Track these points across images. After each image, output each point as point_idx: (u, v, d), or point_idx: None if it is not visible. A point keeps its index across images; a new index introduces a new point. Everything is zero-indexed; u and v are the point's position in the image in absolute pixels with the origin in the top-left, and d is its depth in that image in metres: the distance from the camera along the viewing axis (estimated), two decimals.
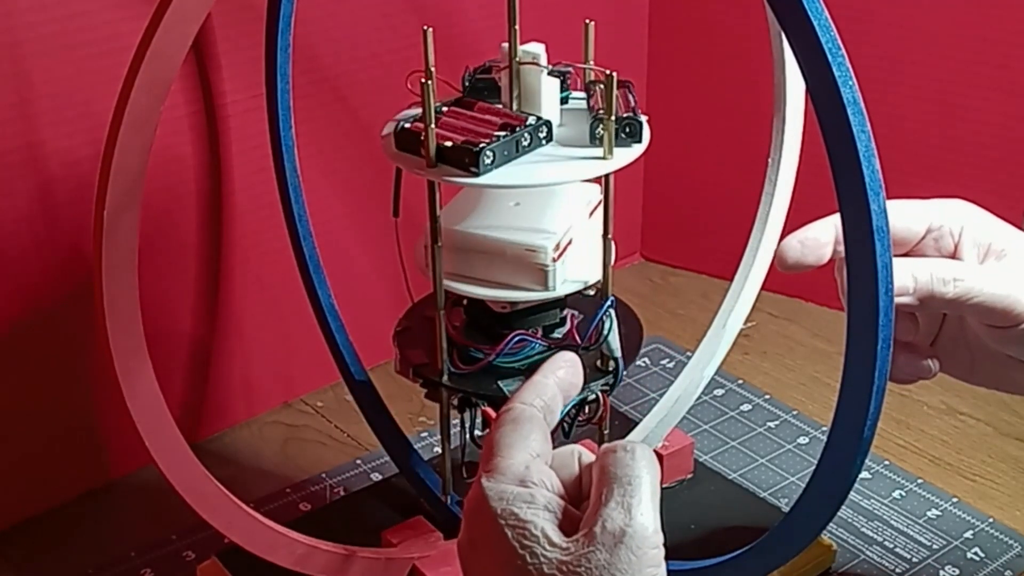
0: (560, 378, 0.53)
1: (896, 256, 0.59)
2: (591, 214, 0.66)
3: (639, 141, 0.60)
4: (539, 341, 0.65)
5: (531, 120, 0.61)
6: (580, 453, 0.50)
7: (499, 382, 0.64)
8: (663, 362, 1.01)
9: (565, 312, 0.68)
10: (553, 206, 0.65)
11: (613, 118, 0.58)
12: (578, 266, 0.64)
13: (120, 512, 0.84)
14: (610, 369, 0.65)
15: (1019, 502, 0.83)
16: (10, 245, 0.76)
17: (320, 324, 0.77)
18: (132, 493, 0.85)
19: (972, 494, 0.84)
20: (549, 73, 0.63)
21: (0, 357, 0.78)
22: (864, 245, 0.47)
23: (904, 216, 0.61)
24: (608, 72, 0.57)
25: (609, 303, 0.64)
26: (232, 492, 0.63)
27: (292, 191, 0.74)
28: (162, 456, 0.59)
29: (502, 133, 0.59)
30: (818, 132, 0.46)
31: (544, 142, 0.61)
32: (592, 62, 0.63)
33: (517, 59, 0.63)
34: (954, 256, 0.60)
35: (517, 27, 0.64)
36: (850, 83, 0.45)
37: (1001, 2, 0.91)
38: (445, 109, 0.63)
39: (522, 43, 0.64)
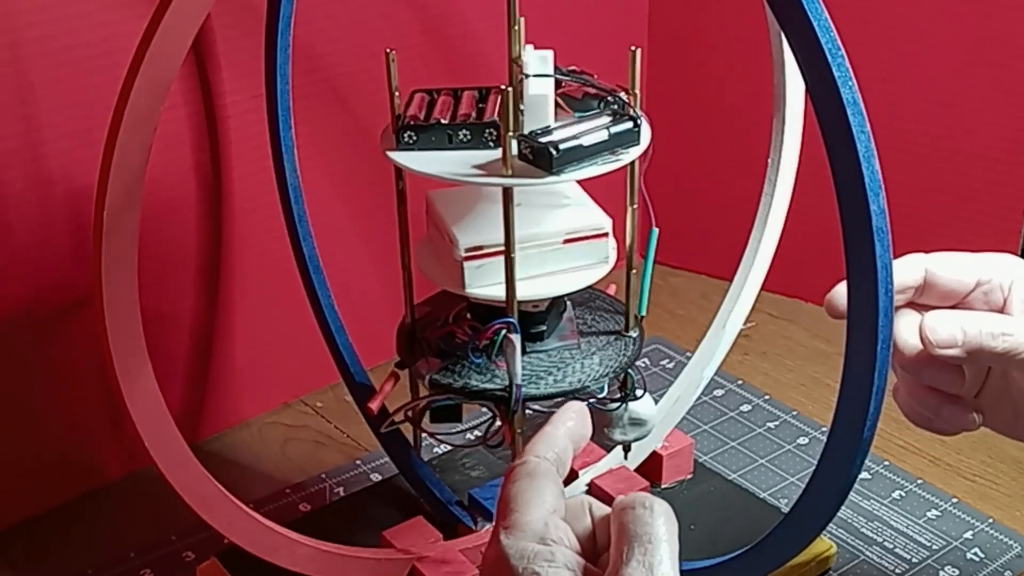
0: (570, 428, 0.53)
1: (945, 308, 0.59)
2: (566, 241, 0.65)
3: (548, 170, 0.58)
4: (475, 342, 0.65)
5: (490, 120, 0.62)
6: (591, 504, 0.50)
7: (425, 359, 0.67)
8: (663, 362, 1.01)
9: (564, 316, 0.69)
10: (534, 220, 0.65)
11: (510, 134, 0.58)
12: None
13: (120, 512, 0.84)
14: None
15: (1019, 502, 0.83)
16: (10, 245, 0.76)
17: (320, 324, 0.77)
18: (132, 493, 0.85)
19: (972, 494, 0.84)
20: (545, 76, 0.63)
21: (0, 357, 0.78)
22: (864, 245, 0.47)
23: (954, 269, 0.60)
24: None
25: (502, 321, 0.63)
26: (232, 493, 0.63)
27: (292, 191, 0.74)
28: (162, 456, 0.59)
29: (445, 122, 0.61)
30: (818, 132, 0.46)
31: (494, 145, 0.61)
32: (639, 89, 0.62)
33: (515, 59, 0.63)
34: (1003, 310, 0.60)
35: (516, 28, 0.64)
36: (850, 83, 0.45)
37: (1001, 2, 0.91)
38: (464, 92, 0.65)
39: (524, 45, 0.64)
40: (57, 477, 0.84)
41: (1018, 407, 0.62)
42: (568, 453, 0.52)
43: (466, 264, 0.64)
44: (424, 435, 0.71)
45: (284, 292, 0.87)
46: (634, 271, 0.68)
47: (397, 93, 0.64)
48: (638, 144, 0.61)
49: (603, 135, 0.59)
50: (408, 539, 0.72)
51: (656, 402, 0.72)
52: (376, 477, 0.87)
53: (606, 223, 0.66)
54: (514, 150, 0.59)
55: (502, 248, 0.62)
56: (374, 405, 0.69)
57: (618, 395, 0.69)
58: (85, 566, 0.78)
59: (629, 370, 0.68)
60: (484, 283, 0.64)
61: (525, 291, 0.64)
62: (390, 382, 0.69)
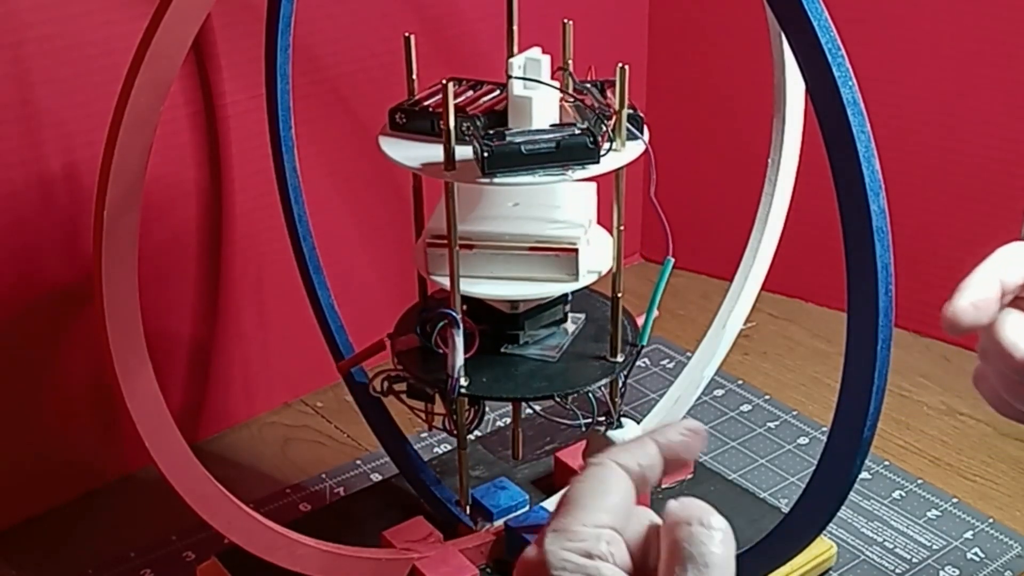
0: (670, 444, 0.47)
1: None
2: (532, 249, 0.65)
3: (482, 172, 0.58)
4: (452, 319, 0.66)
5: (478, 118, 0.62)
6: (650, 517, 0.46)
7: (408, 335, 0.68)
8: (663, 362, 1.01)
9: (561, 327, 0.69)
10: (512, 222, 0.66)
11: (451, 126, 0.58)
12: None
13: (120, 512, 0.84)
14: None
15: (1019, 502, 0.83)
16: (10, 245, 0.76)
17: (320, 324, 0.77)
18: (132, 493, 0.85)
19: (972, 494, 0.84)
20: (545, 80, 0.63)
21: (1, 357, 0.78)
22: (864, 245, 0.47)
23: None
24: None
25: (443, 312, 0.63)
26: (232, 492, 0.63)
27: (292, 191, 0.74)
28: (162, 456, 0.59)
29: (431, 110, 0.63)
30: (818, 132, 0.46)
31: (468, 140, 0.61)
32: (627, 100, 0.61)
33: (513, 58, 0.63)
34: None
35: (516, 28, 0.64)
36: (850, 83, 0.45)
37: (1001, 2, 0.91)
38: (486, 86, 0.67)
39: (522, 44, 0.64)
40: (58, 477, 0.84)
41: None
42: (656, 471, 0.47)
43: (429, 251, 0.65)
44: (425, 433, 0.71)
45: (284, 292, 0.87)
46: (621, 295, 0.67)
47: (415, 78, 0.65)
48: (596, 163, 0.59)
49: (550, 146, 0.58)
50: (408, 539, 0.72)
51: (656, 400, 0.72)
52: (376, 477, 0.87)
53: (577, 240, 0.65)
54: (468, 150, 0.60)
55: (468, 242, 0.63)
56: (343, 365, 0.70)
57: (602, 420, 0.68)
58: (85, 566, 0.78)
59: (607, 396, 0.67)
60: (445, 272, 0.64)
61: (480, 289, 0.65)
62: (372, 347, 0.70)
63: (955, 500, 0.83)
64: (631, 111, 0.61)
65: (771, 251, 0.74)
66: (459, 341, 0.63)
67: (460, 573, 0.70)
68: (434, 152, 0.61)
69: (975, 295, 0.55)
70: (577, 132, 0.59)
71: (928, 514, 0.82)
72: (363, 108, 0.89)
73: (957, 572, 0.77)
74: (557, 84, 0.64)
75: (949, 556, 0.78)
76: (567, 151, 0.58)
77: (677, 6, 1.08)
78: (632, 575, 0.44)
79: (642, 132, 0.62)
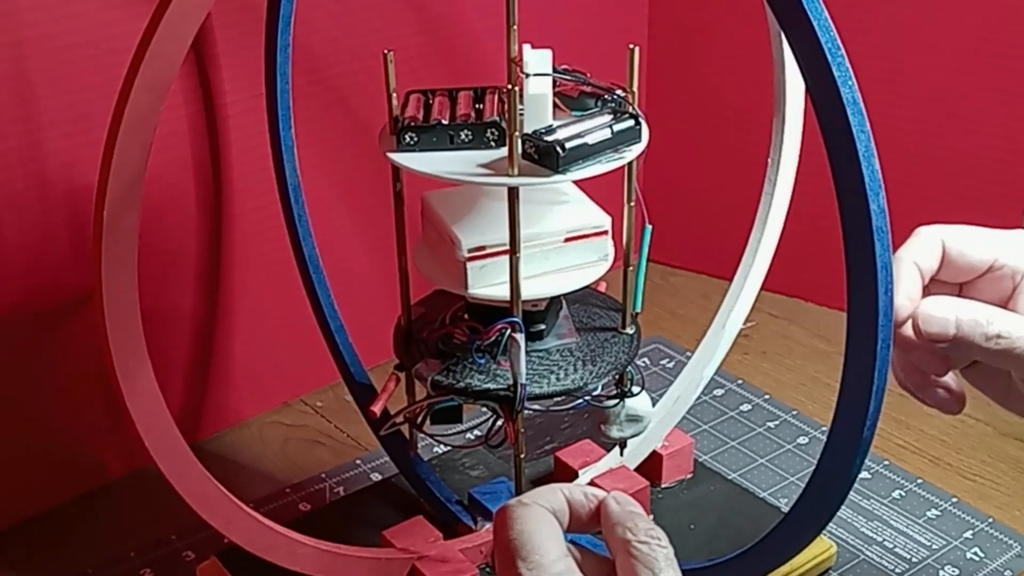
0: (572, 497, 0.52)
1: (952, 287, 0.57)
2: (567, 239, 0.65)
3: (554, 169, 0.58)
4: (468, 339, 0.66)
5: (491, 120, 0.62)
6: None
7: (424, 361, 0.67)
8: (663, 362, 1.01)
9: (561, 315, 0.69)
10: (535, 219, 0.65)
11: (517, 134, 0.58)
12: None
13: (120, 512, 0.84)
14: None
15: (1019, 502, 0.83)
16: (10, 244, 0.76)
17: (320, 324, 0.77)
18: (132, 493, 0.85)
19: (972, 494, 0.84)
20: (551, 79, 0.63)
21: (1, 357, 0.78)
22: (864, 245, 0.47)
23: (971, 247, 0.58)
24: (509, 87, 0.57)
25: (507, 321, 0.63)
26: (232, 492, 0.63)
27: (292, 191, 0.74)
28: (162, 456, 0.59)
29: (446, 123, 0.61)
30: (818, 132, 0.46)
31: (495, 144, 0.61)
32: (636, 88, 0.62)
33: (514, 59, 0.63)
34: (1009, 300, 0.57)
35: (515, 27, 0.64)
36: (850, 83, 0.45)
37: (1001, 2, 0.91)
38: (460, 92, 0.65)
39: (521, 44, 0.64)
40: (57, 476, 0.84)
41: (1012, 384, 0.61)
42: (565, 516, 0.51)
43: (469, 265, 0.64)
44: (424, 434, 0.71)
45: (284, 292, 0.87)
46: (631, 268, 0.68)
47: (395, 94, 0.64)
48: (639, 142, 0.61)
49: (606, 133, 0.60)
50: (408, 539, 0.72)
51: (653, 400, 0.72)
52: (376, 477, 0.87)
53: (606, 221, 0.66)
54: (518, 149, 0.59)
55: (505, 248, 0.62)
56: (376, 408, 0.68)
57: (615, 392, 0.69)
58: (85, 566, 0.78)
59: (627, 367, 0.68)
60: (487, 283, 0.64)
61: (527, 290, 0.64)
62: (391, 384, 0.69)
63: (955, 500, 0.83)
64: (624, 92, 0.62)
65: (771, 251, 0.74)
66: (523, 347, 0.63)
67: (460, 573, 0.70)
68: (450, 159, 0.61)
69: (908, 290, 0.56)
70: (610, 117, 0.60)
71: (928, 514, 0.82)
72: (363, 108, 0.89)
73: (957, 572, 0.77)
74: (574, 77, 0.64)
75: (949, 556, 0.78)
76: (619, 136, 0.60)
77: (676, 7, 1.08)
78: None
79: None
